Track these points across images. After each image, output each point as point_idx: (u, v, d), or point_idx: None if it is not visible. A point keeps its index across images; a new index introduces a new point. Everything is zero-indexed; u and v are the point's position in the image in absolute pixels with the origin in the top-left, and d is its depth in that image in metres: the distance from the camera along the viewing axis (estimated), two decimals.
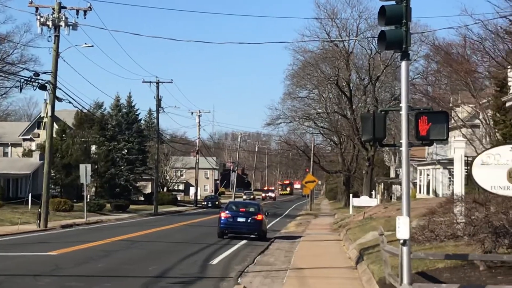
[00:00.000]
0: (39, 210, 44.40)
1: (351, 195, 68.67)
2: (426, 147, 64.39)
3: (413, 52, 73.97)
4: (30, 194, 64.25)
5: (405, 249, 14.19)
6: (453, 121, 52.80)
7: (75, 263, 23.22)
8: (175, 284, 19.14)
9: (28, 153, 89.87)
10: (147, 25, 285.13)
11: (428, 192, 65.17)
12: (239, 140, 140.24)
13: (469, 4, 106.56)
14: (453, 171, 29.79)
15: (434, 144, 62.82)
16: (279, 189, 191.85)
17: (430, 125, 14.35)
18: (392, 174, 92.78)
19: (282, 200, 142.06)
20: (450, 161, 51.33)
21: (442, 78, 66.97)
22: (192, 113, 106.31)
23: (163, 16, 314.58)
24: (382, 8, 14.46)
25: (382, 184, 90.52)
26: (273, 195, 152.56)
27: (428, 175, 66.98)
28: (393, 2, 14.43)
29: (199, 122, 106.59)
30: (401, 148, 14.44)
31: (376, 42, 15.59)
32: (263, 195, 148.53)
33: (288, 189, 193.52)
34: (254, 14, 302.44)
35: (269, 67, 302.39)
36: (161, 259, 25.73)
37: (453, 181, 31.85)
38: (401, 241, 14.23)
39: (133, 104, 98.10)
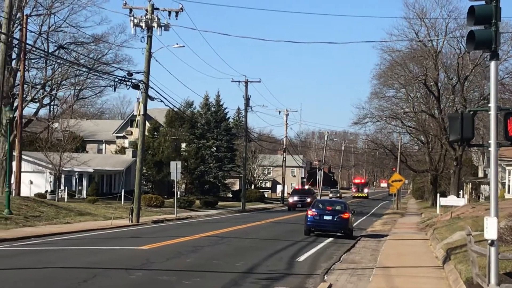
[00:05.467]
0: (131, 205, 45.20)
1: (438, 194, 67.76)
2: None
3: (503, 51, 72.56)
4: (123, 189, 65.51)
5: (493, 249, 13.98)
6: None
7: (165, 258, 23.54)
8: (262, 280, 19.18)
9: (121, 150, 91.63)
10: (237, 26, 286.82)
11: None
12: (325, 138, 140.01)
13: None
14: None
15: None
16: (353, 189, 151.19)
17: None
18: (480, 174, 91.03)
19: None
20: None
21: None
22: (279, 112, 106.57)
23: (253, 16, 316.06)
24: (471, 8, 14.25)
25: (470, 184, 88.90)
26: (308, 199, 75.73)
27: None
28: (483, 2, 14.21)
29: (286, 121, 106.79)
30: (489, 148, 14.22)
31: (465, 41, 15.30)
32: (291, 200, 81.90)
33: (366, 190, 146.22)
34: (342, 14, 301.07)
35: (356, 66, 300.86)
36: (248, 255, 25.88)
37: None
38: (489, 242, 14.02)
39: (221, 103, 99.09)
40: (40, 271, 19.62)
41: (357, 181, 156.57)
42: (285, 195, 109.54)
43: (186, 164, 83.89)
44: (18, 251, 25.12)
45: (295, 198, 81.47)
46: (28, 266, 20.54)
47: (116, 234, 35.17)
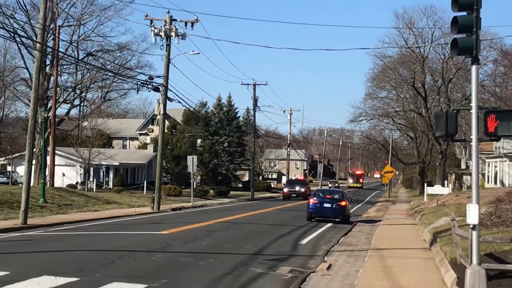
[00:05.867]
0: (153, 195, 45.31)
1: (425, 184, 67.62)
2: (494, 142, 62.99)
3: (483, 57, 72.47)
4: (145, 181, 65.61)
5: (474, 233, 13.97)
6: None
7: (183, 241, 23.58)
8: (270, 261, 19.18)
9: (143, 146, 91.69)
10: (246, 34, 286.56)
11: (495, 182, 63.62)
12: (325, 135, 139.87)
13: None
14: None
15: (501, 139, 61.61)
16: (350, 180, 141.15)
17: (497, 123, 14.05)
18: (463, 166, 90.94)
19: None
20: None
21: (509, 80, 65.46)
22: (284, 111, 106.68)
23: (261, 26, 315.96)
24: (455, 18, 14.24)
25: (454, 174, 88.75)
26: (302, 189, 73.79)
27: (495, 167, 65.40)
28: (465, 13, 14.18)
29: (290, 119, 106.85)
30: (471, 143, 14.20)
31: (449, 48, 15.31)
32: (287, 190, 75.19)
33: (361, 181, 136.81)
34: (340, 24, 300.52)
35: (352, 70, 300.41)
36: (256, 238, 25.88)
37: None
38: (471, 226, 14.00)
39: (232, 103, 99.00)
40: (73, 253, 19.71)
41: (357, 172, 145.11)
42: None
43: (201, 158, 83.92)
44: (53, 236, 25.21)
45: (290, 188, 74.83)
46: (62, 249, 20.64)
47: (139, 220, 35.25)
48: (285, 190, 75.55)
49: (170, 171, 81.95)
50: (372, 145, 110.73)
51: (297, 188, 74.22)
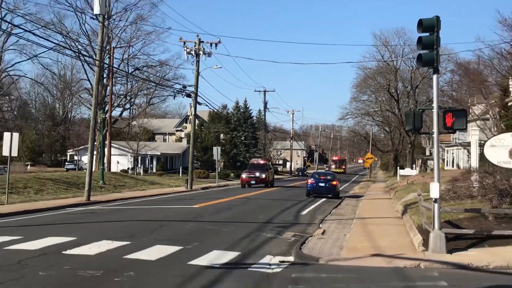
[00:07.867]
0: (187, 177, 45.36)
1: (398, 167, 67.49)
2: (451, 134, 62.68)
3: (442, 68, 72.11)
4: (180, 166, 65.72)
5: (436, 205, 13.95)
6: (470, 116, 51.14)
7: (210, 213, 23.63)
8: (277, 228, 19.19)
9: (179, 140, 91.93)
10: (259, 51, 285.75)
11: (453, 165, 63.32)
12: (320, 129, 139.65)
13: (481, 33, 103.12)
14: (470, 151, 29.02)
15: (457, 132, 61.42)
16: (332, 166, 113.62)
17: (454, 119, 14.01)
18: (427, 153, 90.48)
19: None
20: (468, 144, 49.65)
21: (463, 86, 65.08)
22: (288, 111, 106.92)
23: (270, 44, 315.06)
24: (420, 38, 14.20)
25: (420, 160, 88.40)
26: (263, 175, 50.31)
27: (452, 153, 65.10)
28: (427, 34, 14.13)
29: (292, 118, 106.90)
30: (433, 135, 14.18)
31: (416, 61, 15.26)
32: (245, 176, 50.42)
33: (343, 166, 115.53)
34: (330, 42, 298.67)
35: (341, 78, 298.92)
36: (267, 210, 25.85)
37: (470, 158, 31.04)
38: (433, 200, 13.99)
39: (247, 106, 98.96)
40: (125, 223, 19.79)
41: (335, 158, 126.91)
42: (292, 169, 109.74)
43: (224, 148, 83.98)
44: (110, 210, 25.32)
45: (249, 174, 50.77)
46: (117, 220, 20.74)
47: (176, 197, 35.30)
48: (243, 176, 51.22)
49: (199, 159, 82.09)
50: (356, 137, 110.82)
51: (257, 174, 50.78)
